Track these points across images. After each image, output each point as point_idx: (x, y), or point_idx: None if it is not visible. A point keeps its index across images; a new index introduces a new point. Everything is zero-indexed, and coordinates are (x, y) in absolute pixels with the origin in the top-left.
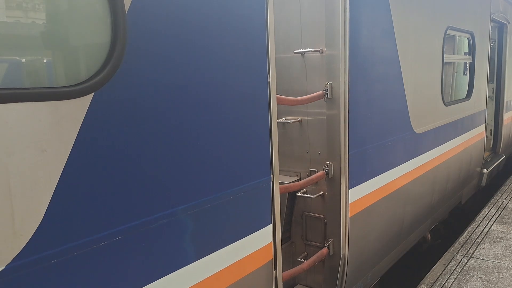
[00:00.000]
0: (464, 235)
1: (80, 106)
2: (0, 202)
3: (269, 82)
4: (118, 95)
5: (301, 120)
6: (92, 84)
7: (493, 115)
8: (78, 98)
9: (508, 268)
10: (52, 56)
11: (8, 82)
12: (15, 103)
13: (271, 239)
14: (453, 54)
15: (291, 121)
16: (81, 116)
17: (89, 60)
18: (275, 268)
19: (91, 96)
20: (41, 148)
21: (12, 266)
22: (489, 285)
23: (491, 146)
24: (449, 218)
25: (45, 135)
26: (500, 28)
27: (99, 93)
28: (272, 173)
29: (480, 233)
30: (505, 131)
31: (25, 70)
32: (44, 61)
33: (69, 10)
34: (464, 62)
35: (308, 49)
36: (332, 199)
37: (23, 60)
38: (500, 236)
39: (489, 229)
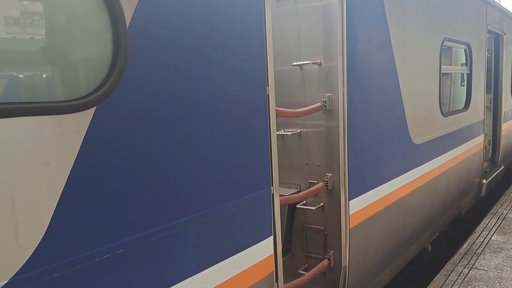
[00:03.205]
0: (464, 246)
1: (82, 120)
2: (4, 216)
3: (268, 94)
4: (120, 108)
5: (300, 132)
6: (94, 98)
7: (491, 125)
8: (81, 112)
9: (509, 278)
10: (54, 70)
11: (12, 97)
12: (19, 118)
13: (272, 251)
14: (451, 65)
15: (290, 133)
16: (84, 130)
17: (91, 74)
18: (276, 280)
19: (93, 110)
20: (44, 162)
21: (15, 280)
22: None
23: (489, 156)
24: (449, 229)
25: (48, 149)
26: (496, 39)
27: (101, 107)
28: (272, 185)
29: (481, 244)
30: (503, 141)
31: (28, 85)
32: (47, 75)
33: (71, 25)
34: (461, 73)
35: (306, 62)
36: (332, 210)
37: (26, 75)
38: (501, 246)
39: (489, 239)
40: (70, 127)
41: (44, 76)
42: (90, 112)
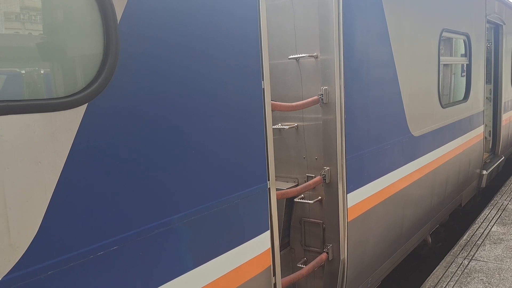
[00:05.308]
0: (464, 237)
1: (74, 117)
2: None
3: (264, 88)
4: (112, 105)
5: (297, 126)
6: (86, 95)
7: (492, 116)
8: (72, 109)
9: (509, 269)
10: (45, 67)
11: (2, 94)
12: (9, 115)
13: (269, 245)
14: (450, 56)
15: (287, 127)
16: (75, 127)
17: (82, 71)
18: (274, 275)
19: (84, 106)
20: (36, 160)
21: (8, 278)
22: (490, 287)
23: (490, 147)
24: (449, 220)
25: (40, 147)
26: (495, 29)
27: (93, 103)
28: (268, 180)
29: (481, 235)
30: (503, 132)
31: (18, 82)
32: (37, 72)
33: (61, 21)
34: (461, 64)
35: (303, 55)
36: (330, 204)
37: (16, 72)
38: (501, 237)
39: (489, 230)
40: (61, 125)
41: (34, 73)
42: (82, 109)
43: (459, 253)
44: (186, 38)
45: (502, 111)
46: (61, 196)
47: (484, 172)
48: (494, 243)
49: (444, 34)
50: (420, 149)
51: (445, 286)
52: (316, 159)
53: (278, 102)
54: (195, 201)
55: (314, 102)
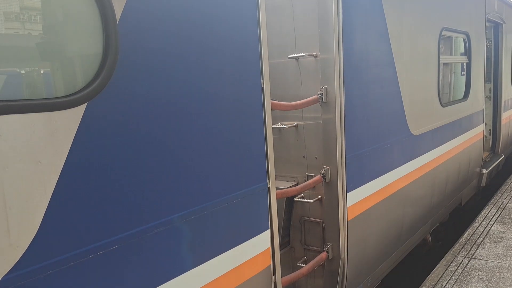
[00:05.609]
0: (464, 236)
1: (73, 117)
2: None
3: (263, 88)
4: (112, 104)
5: (297, 125)
6: (85, 94)
7: (491, 115)
8: (72, 109)
9: (509, 268)
10: (44, 67)
11: (1, 94)
12: (9, 115)
13: (269, 245)
14: (450, 55)
15: (287, 126)
16: (75, 127)
17: (81, 70)
18: (274, 274)
19: (84, 106)
20: (36, 159)
21: (8, 278)
22: (490, 286)
23: (490, 146)
24: (449, 219)
25: (39, 147)
26: (495, 28)
27: (92, 103)
28: (268, 179)
29: (481, 234)
30: (503, 131)
31: (18, 82)
32: (37, 72)
33: (61, 21)
34: (461, 63)
35: (302, 54)
36: (330, 203)
37: (16, 72)
38: (501, 236)
39: (489, 229)
40: (61, 124)
41: (34, 73)
42: (81, 108)
43: (459, 252)
44: (186, 37)
45: (502, 110)
46: (61, 196)
47: (484, 171)
48: (494, 242)
49: (444, 33)
50: (420, 148)
51: (445, 284)
52: (316, 158)
53: (277, 102)
54: (195, 201)
55: (313, 101)
